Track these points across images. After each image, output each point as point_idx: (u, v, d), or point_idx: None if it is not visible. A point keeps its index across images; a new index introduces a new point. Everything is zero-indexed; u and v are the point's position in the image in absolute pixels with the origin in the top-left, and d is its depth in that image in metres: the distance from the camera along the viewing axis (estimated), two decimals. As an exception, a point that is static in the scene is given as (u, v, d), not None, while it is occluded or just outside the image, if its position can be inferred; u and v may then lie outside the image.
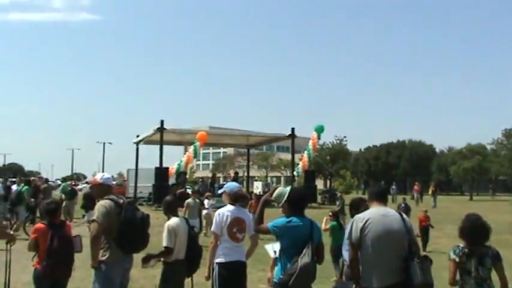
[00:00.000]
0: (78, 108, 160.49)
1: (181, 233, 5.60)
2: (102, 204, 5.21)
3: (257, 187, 35.06)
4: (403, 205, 15.42)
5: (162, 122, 26.02)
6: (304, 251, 4.37)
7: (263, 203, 4.88)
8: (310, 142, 29.31)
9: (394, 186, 38.91)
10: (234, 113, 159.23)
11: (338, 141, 61.87)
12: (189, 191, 27.22)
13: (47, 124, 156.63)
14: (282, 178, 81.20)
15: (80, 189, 40.47)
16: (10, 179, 36.32)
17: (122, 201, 5.31)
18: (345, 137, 62.90)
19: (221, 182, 44.64)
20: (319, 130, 28.91)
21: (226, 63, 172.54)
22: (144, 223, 5.29)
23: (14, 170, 79.95)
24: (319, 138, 29.59)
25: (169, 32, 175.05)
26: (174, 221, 5.65)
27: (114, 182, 5.88)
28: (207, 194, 14.07)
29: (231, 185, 5.84)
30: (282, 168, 75.48)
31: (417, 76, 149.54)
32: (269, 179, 75.49)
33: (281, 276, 4.39)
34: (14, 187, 18.19)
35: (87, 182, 47.96)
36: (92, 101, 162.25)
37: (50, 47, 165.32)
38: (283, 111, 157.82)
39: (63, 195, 18.70)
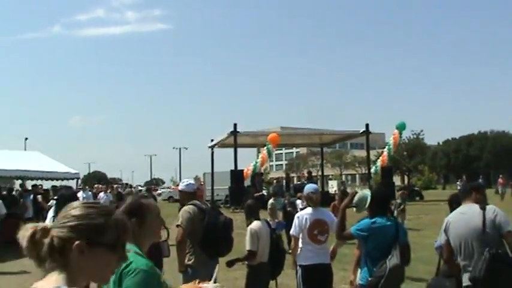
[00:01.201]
0: (154, 115, 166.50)
1: (263, 236, 5.63)
2: (185, 210, 5.36)
3: (332, 186, 34.81)
4: None
5: (235, 125, 26.42)
6: (391, 252, 4.29)
7: (344, 210, 4.80)
8: (391, 139, 28.57)
9: (480, 180, 36.64)
10: (305, 112, 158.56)
11: (415, 136, 59.70)
12: (264, 192, 27.50)
13: (126, 132, 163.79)
14: (357, 176, 79.82)
15: (159, 194, 42.16)
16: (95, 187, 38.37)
17: (205, 206, 5.45)
18: (421, 131, 60.65)
19: (295, 182, 44.53)
20: (401, 128, 28.13)
21: (295, 64, 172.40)
22: (227, 227, 5.36)
23: (98, 178, 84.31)
24: (400, 135, 28.86)
25: (240, 36, 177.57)
26: (256, 224, 5.68)
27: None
28: (299, 194, 13.50)
29: (306, 187, 5.82)
30: (357, 165, 74.16)
31: (496, 63, 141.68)
32: (343, 177, 74.45)
33: (369, 279, 4.31)
34: (102, 194, 19.19)
35: (168, 187, 49.86)
36: (167, 108, 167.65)
37: (126, 58, 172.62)
38: (355, 106, 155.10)
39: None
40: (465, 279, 4.12)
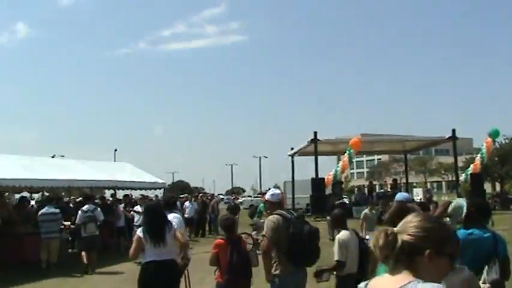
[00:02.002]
0: (234, 124, 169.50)
1: (352, 246, 5.54)
2: (270, 220, 5.38)
3: (417, 194, 33.47)
4: None
5: (315, 133, 26.30)
6: (490, 266, 4.04)
7: None
8: (484, 147, 27.22)
9: None
10: (386, 119, 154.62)
11: (507, 141, 56.14)
12: (346, 200, 27.03)
13: (207, 142, 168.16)
14: (443, 183, 76.42)
15: (241, 203, 42.78)
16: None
17: (290, 216, 5.45)
18: (515, 134, 56.85)
19: (377, 190, 43.38)
20: (495, 135, 26.80)
21: (375, 70, 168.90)
22: (312, 237, 5.32)
23: (182, 187, 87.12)
24: (494, 142, 27.48)
25: (320, 43, 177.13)
26: (344, 234, 5.60)
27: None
28: (390, 202, 12.75)
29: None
30: (443, 172, 71.03)
31: None
32: (428, 184, 71.56)
33: (468, 295, 4.09)
34: (187, 203, 19.81)
35: (256, 196, 50.63)
36: (247, 117, 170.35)
37: (207, 70, 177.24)
38: (440, 111, 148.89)
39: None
40: None
